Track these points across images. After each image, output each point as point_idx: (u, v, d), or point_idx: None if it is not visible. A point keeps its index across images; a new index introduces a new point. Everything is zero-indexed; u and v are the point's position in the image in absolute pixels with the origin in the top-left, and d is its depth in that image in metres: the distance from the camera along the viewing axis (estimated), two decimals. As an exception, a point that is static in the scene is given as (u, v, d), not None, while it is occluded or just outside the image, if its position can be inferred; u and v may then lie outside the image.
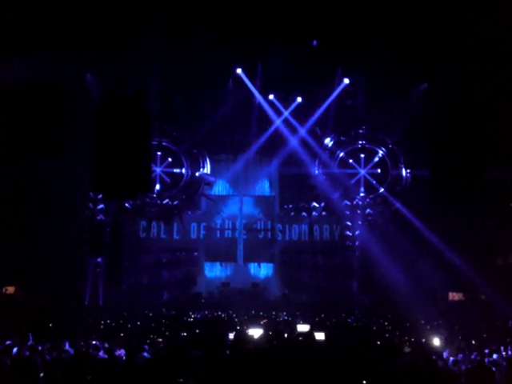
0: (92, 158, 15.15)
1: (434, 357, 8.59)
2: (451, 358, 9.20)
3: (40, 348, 9.81)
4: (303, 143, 21.62)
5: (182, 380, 6.77)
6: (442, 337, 12.54)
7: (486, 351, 10.14)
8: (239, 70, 20.38)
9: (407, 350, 10.32)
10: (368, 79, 19.94)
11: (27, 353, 9.27)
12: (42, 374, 7.71)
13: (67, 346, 10.30)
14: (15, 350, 9.50)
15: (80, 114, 18.44)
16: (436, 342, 11.86)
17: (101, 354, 9.66)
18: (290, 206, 23.02)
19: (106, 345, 10.48)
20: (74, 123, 18.85)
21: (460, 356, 9.55)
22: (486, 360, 9.18)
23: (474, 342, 12.11)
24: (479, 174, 15.75)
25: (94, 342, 10.61)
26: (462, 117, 15.77)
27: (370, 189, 21.95)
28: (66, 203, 19.81)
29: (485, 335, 13.70)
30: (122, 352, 9.75)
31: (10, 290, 19.34)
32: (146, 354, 9.17)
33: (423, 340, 12.66)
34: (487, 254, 19.81)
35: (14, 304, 18.33)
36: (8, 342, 9.66)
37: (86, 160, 18.24)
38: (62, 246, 19.74)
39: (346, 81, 20.49)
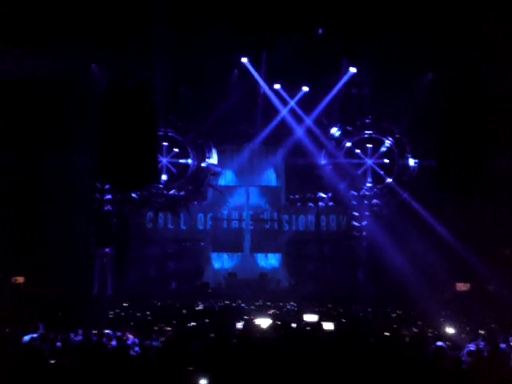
0: (98, 148, 15.18)
1: (444, 346, 8.59)
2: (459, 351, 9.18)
3: (50, 337, 9.87)
4: (309, 133, 21.57)
5: (191, 368, 6.80)
6: (455, 326, 12.51)
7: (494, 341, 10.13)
8: (244, 60, 20.30)
9: (408, 339, 10.29)
10: (374, 68, 19.85)
11: (37, 342, 9.33)
12: (52, 362, 7.76)
13: (78, 335, 10.37)
14: (26, 338, 9.57)
15: (86, 105, 18.46)
16: (449, 331, 11.85)
17: (113, 343, 9.72)
18: (297, 196, 23.03)
19: (119, 333, 10.55)
20: (80, 114, 18.87)
21: (469, 346, 9.55)
22: (494, 349, 9.17)
23: (481, 332, 12.09)
24: (487, 164, 15.68)
25: (106, 331, 10.67)
26: (469, 106, 15.68)
27: (377, 179, 21.92)
28: (74, 194, 19.87)
29: (493, 325, 13.67)
30: (130, 341, 9.81)
31: (19, 280, 19.48)
32: (155, 342, 9.23)
33: (430, 330, 12.66)
34: (495, 244, 19.74)
35: (23, 294, 18.45)
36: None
37: (92, 151, 18.29)
38: (70, 236, 19.83)
39: (353, 70, 20.38)
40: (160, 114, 18.21)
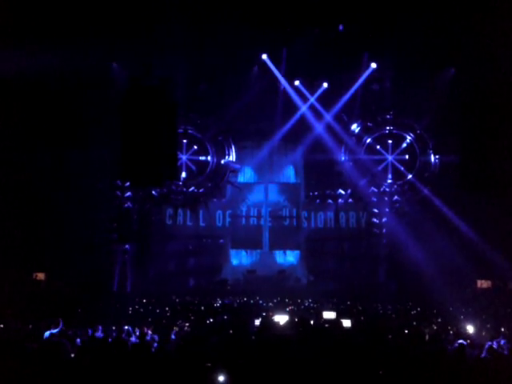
0: (119, 146, 15.29)
1: (465, 343, 8.49)
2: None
3: (70, 333, 9.97)
4: (329, 129, 21.45)
5: (209, 364, 6.81)
6: (476, 324, 12.38)
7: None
8: (264, 56, 20.27)
9: (428, 336, 10.18)
10: (395, 64, 19.66)
11: (56, 338, 9.42)
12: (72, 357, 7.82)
13: (98, 331, 10.46)
14: (46, 334, 9.68)
15: (106, 102, 18.59)
16: (470, 329, 11.73)
17: (133, 339, 9.79)
18: (316, 192, 22.86)
19: (137, 330, 10.62)
20: (101, 112, 19.01)
21: (488, 343, 9.42)
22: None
23: (503, 330, 11.94)
24: (510, 161, 15.43)
25: (126, 327, 10.75)
26: (492, 101, 15.43)
27: (397, 175, 21.72)
28: (95, 191, 20.05)
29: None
30: (149, 336, 9.87)
31: (40, 276, 19.73)
32: (173, 338, 9.28)
33: (450, 327, 12.54)
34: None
35: (44, 290, 18.68)
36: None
37: (113, 148, 18.44)
38: (91, 233, 20.03)
39: (374, 65, 20.22)
40: (180, 111, 18.28)
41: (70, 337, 9.53)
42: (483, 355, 8.35)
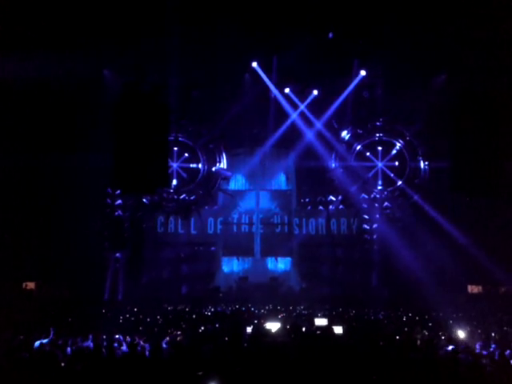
0: (110, 153, 15.24)
1: (455, 349, 8.52)
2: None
3: (60, 342, 9.89)
4: (320, 136, 21.52)
5: (201, 373, 6.79)
6: (467, 330, 12.40)
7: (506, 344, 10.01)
8: (254, 64, 20.34)
9: (420, 342, 10.19)
10: (386, 70, 19.79)
11: (48, 347, 9.36)
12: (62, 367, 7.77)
13: (89, 341, 10.38)
14: (36, 344, 9.61)
15: (99, 109, 18.56)
16: (461, 334, 11.75)
17: (123, 348, 9.73)
18: (307, 199, 22.94)
19: (128, 339, 10.55)
20: (92, 119, 18.97)
21: (477, 348, 9.47)
22: (507, 353, 9.07)
23: (493, 335, 11.98)
24: (500, 166, 15.53)
25: (116, 336, 10.67)
26: (483, 107, 15.55)
27: (387, 182, 21.82)
28: (86, 199, 19.95)
29: (505, 328, 13.52)
30: (140, 346, 9.81)
31: (31, 285, 19.58)
32: (165, 347, 9.24)
33: (441, 333, 12.56)
34: (507, 246, 19.53)
35: (35, 299, 18.53)
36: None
37: (104, 155, 18.38)
38: (82, 241, 19.89)
39: (363, 73, 20.36)
40: (172, 117, 18.27)
41: (60, 346, 9.47)
42: (471, 360, 8.38)
